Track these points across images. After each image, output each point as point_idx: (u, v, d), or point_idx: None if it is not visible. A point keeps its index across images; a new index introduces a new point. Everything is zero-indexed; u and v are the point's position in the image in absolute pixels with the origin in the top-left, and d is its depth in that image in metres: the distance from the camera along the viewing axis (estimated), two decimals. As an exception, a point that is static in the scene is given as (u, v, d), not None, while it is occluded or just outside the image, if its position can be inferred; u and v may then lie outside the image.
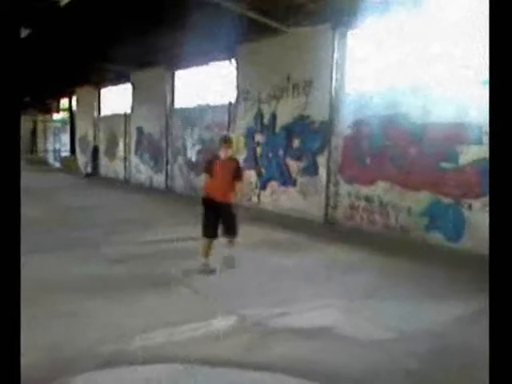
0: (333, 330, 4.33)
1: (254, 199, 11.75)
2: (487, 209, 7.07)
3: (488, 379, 2.02)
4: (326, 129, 9.72)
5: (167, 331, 4.16)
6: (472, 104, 7.27)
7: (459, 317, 4.74)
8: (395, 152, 8.46)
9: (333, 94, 9.55)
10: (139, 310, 4.68)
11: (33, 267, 5.50)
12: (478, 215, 7.25)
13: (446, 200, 7.74)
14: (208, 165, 6.08)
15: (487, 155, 7.04)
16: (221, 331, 4.23)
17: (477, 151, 7.23)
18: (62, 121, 27.30)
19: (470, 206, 7.41)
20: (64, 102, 26.36)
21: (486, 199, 7.11)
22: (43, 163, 27.34)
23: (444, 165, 7.76)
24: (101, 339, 3.97)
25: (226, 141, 6.07)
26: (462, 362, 3.76)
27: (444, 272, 6.31)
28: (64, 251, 6.91)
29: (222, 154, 5.99)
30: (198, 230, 6.07)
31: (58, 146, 28.05)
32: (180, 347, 3.89)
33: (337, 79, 9.50)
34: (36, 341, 3.77)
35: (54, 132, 28.73)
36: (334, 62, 9.47)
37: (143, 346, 3.88)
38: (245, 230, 6.39)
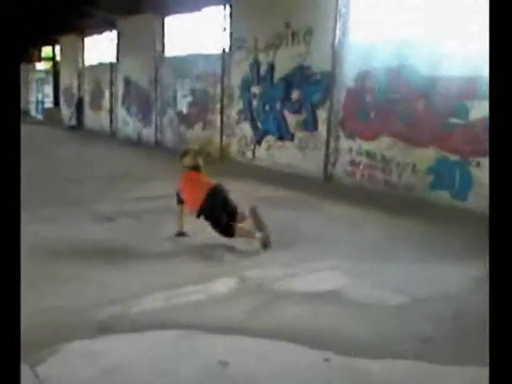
0: (341, 294, 4.01)
1: (249, 154, 11.28)
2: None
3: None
4: (327, 80, 9.16)
5: (165, 295, 3.79)
6: (486, 56, 6.77)
7: (472, 279, 4.43)
8: (401, 106, 8.00)
9: (336, 43, 8.93)
10: (134, 273, 4.30)
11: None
12: (487, 173, 6.88)
13: (454, 157, 7.36)
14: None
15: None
16: (220, 295, 3.87)
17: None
18: (45, 71, 26.18)
19: (478, 164, 7.04)
20: (47, 51, 25.19)
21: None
22: (25, 115, 26.30)
23: (453, 120, 7.33)
24: (95, 304, 3.60)
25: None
26: (477, 327, 3.45)
27: (453, 232, 5.98)
28: (54, 208, 6.48)
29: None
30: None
31: (40, 97, 27.00)
32: (178, 312, 3.55)
33: (340, 27, 8.85)
34: (27, 305, 3.37)
35: (37, 82, 27.58)
36: (338, 7, 8.82)
37: (140, 311, 3.53)
38: (239, 188, 5.94)
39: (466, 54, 7.02)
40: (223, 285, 4.05)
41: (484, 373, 2.87)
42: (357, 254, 5.05)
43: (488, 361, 1.86)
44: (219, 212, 5.07)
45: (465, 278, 4.46)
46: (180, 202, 5.30)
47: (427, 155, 7.69)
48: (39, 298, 3.56)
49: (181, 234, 5.29)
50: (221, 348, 3.05)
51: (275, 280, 4.22)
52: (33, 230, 5.00)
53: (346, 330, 3.37)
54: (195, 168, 5.27)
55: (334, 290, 4.05)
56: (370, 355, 3.06)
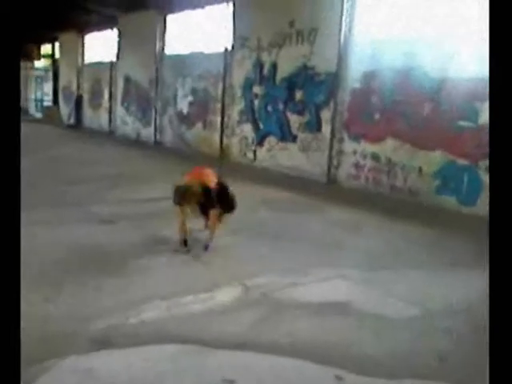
0: (349, 305, 3.79)
1: (250, 155, 11.07)
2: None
3: None
4: (331, 81, 8.98)
5: (165, 305, 3.56)
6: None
7: (486, 290, 4.21)
8: (408, 108, 7.82)
9: (341, 42, 8.75)
10: (133, 280, 4.06)
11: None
12: (497, 178, 6.69)
13: (462, 161, 7.17)
14: None
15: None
16: (223, 305, 3.66)
17: (500, 109, 6.59)
18: (45, 68, 25.93)
19: (488, 169, 6.83)
20: (46, 49, 24.94)
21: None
22: (24, 113, 26.02)
23: (462, 123, 7.14)
24: (91, 314, 3.38)
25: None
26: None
27: (462, 239, 5.78)
28: (51, 209, 6.25)
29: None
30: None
31: (39, 95, 26.77)
32: (179, 324, 3.32)
33: (346, 27, 8.68)
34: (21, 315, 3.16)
35: (36, 80, 27.34)
36: (344, 6, 8.62)
37: (139, 322, 3.31)
38: (240, 190, 5.68)
39: (477, 55, 6.83)
40: (226, 294, 3.83)
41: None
42: (363, 260, 4.84)
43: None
44: None
45: (478, 288, 4.24)
46: (180, 203, 4.83)
47: (434, 159, 7.51)
48: (31, 306, 3.33)
49: (185, 242, 4.85)
50: (225, 364, 2.83)
51: (280, 289, 4.01)
52: (28, 234, 4.76)
53: (357, 346, 3.16)
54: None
55: (343, 301, 3.84)
56: (384, 374, 2.86)
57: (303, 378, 2.77)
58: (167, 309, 3.51)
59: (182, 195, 4.75)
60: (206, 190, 4.81)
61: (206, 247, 4.81)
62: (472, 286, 4.29)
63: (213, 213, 4.94)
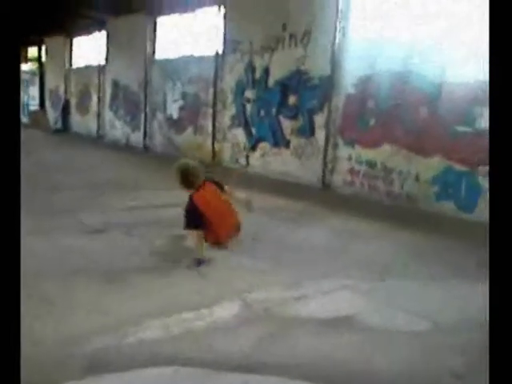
0: (356, 320, 3.61)
1: (242, 161, 10.87)
2: None
3: None
4: (326, 85, 8.83)
5: (162, 322, 3.35)
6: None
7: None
8: (404, 113, 7.67)
9: (335, 46, 8.62)
10: (127, 296, 3.84)
11: None
12: (496, 184, 6.57)
13: (460, 167, 7.05)
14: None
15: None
16: (224, 322, 3.45)
17: (500, 113, 6.48)
18: (31, 72, 25.53)
19: (487, 174, 6.72)
20: (32, 52, 24.57)
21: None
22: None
23: (459, 128, 7.02)
24: (85, 334, 3.15)
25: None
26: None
27: (465, 247, 5.62)
28: (38, 218, 5.97)
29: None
30: (182, 196, 5.05)
31: (25, 100, 26.33)
32: (178, 344, 3.10)
33: (340, 29, 8.55)
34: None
35: (22, 84, 26.91)
36: (338, 8, 8.49)
37: (135, 342, 3.09)
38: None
39: (475, 58, 6.70)
40: (227, 310, 3.62)
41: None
42: (366, 271, 4.66)
43: None
44: None
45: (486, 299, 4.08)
46: (198, 226, 4.63)
47: (431, 164, 7.39)
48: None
49: (201, 262, 4.58)
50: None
51: (282, 303, 3.82)
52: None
53: (369, 365, 2.97)
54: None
55: (348, 315, 3.66)
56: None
57: (314, 404, 2.58)
58: (165, 327, 3.29)
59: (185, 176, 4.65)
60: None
61: (199, 263, 4.57)
62: (482, 299, 4.12)
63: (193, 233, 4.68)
